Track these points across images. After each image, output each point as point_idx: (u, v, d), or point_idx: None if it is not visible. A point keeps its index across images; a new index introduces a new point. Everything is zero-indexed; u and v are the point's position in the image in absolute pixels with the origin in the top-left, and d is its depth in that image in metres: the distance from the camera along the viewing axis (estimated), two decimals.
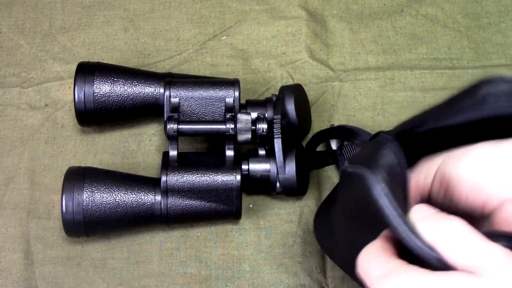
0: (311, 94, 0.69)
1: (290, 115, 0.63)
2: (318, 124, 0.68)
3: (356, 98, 0.70)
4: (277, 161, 0.61)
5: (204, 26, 0.74)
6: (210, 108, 0.64)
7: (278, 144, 0.61)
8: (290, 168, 0.61)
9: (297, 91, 0.64)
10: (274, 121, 0.61)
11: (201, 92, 0.63)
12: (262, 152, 0.63)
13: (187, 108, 0.63)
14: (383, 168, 0.40)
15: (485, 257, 0.35)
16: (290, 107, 0.62)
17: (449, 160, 0.42)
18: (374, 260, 0.39)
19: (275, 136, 0.61)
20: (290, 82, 0.71)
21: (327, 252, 0.60)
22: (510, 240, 0.36)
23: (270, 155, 0.62)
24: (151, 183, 0.61)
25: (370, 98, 0.70)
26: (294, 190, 0.62)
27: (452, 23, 0.74)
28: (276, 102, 0.63)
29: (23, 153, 0.68)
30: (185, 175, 0.60)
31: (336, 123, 0.68)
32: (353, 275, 0.41)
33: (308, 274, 0.63)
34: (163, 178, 0.60)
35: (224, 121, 0.62)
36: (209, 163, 0.62)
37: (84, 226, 0.60)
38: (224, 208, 0.62)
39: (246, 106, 0.64)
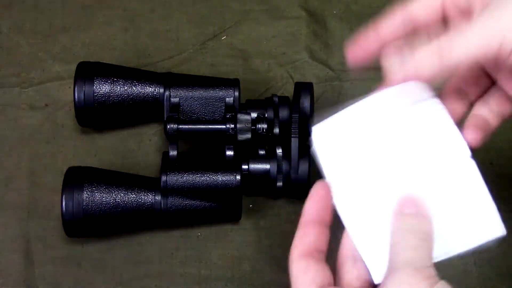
0: None
1: (306, 113, 0.62)
2: None
3: (356, 98, 0.70)
4: (292, 161, 0.61)
5: (204, 26, 0.74)
6: (210, 108, 0.64)
7: (295, 143, 0.61)
8: (304, 169, 0.61)
9: (312, 89, 0.64)
10: (292, 120, 0.61)
11: (201, 92, 0.63)
12: (262, 152, 0.63)
13: (187, 108, 0.63)
14: None
15: None
16: (307, 105, 0.62)
17: None
18: None
19: (292, 136, 0.61)
20: (290, 82, 0.71)
21: None
22: None
23: (270, 155, 0.62)
24: (151, 183, 0.61)
25: None
26: (305, 191, 0.62)
27: None
28: (292, 100, 0.63)
29: (23, 153, 0.68)
30: (185, 175, 0.60)
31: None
32: None
33: None
34: (163, 178, 0.60)
35: (224, 121, 0.62)
36: (209, 163, 0.62)
37: (84, 226, 0.60)
38: (224, 208, 0.62)
39: (246, 106, 0.64)
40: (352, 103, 0.48)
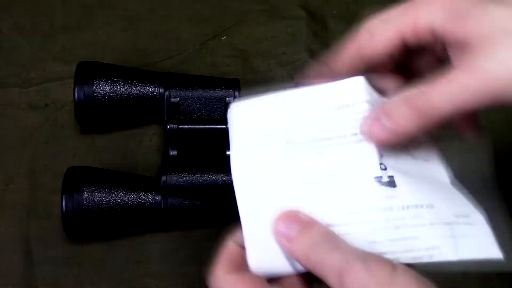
0: None
1: None
2: None
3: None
4: None
5: (204, 26, 0.74)
6: (210, 108, 0.64)
7: None
8: None
9: None
10: None
11: (201, 92, 0.63)
12: None
13: (187, 108, 0.63)
14: None
15: None
16: None
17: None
18: None
19: None
20: (290, 82, 0.71)
21: None
22: None
23: None
24: (151, 183, 0.61)
25: None
26: None
27: None
28: None
29: (23, 153, 0.68)
30: (185, 175, 0.60)
31: None
32: None
33: None
34: (163, 178, 0.60)
35: (224, 121, 0.62)
36: (209, 163, 0.62)
37: (84, 226, 0.60)
38: (224, 208, 0.62)
39: None
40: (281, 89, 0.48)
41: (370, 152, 0.43)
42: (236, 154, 0.45)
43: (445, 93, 0.41)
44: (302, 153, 0.44)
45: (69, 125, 0.69)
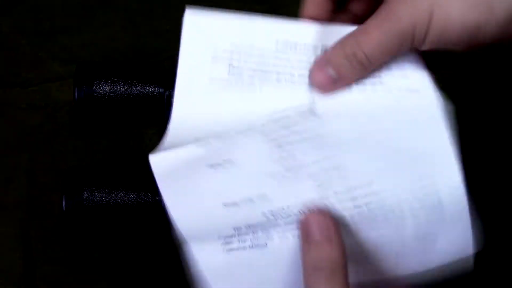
0: None
1: None
2: None
3: None
4: None
5: None
6: None
7: None
8: None
9: None
10: None
11: None
12: None
13: None
14: None
15: None
16: None
17: None
18: None
19: None
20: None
21: None
22: None
23: None
24: (151, 183, 0.61)
25: None
26: None
27: None
28: None
29: (23, 153, 0.68)
30: None
31: None
32: None
33: None
34: None
35: None
36: None
37: (84, 227, 0.60)
38: None
39: None
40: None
41: (302, 96, 0.45)
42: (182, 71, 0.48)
43: (374, 41, 0.43)
44: (241, 85, 0.45)
45: (69, 125, 0.69)
